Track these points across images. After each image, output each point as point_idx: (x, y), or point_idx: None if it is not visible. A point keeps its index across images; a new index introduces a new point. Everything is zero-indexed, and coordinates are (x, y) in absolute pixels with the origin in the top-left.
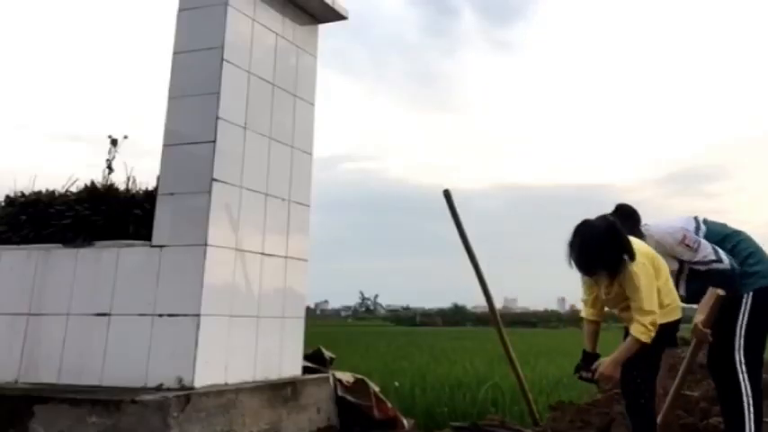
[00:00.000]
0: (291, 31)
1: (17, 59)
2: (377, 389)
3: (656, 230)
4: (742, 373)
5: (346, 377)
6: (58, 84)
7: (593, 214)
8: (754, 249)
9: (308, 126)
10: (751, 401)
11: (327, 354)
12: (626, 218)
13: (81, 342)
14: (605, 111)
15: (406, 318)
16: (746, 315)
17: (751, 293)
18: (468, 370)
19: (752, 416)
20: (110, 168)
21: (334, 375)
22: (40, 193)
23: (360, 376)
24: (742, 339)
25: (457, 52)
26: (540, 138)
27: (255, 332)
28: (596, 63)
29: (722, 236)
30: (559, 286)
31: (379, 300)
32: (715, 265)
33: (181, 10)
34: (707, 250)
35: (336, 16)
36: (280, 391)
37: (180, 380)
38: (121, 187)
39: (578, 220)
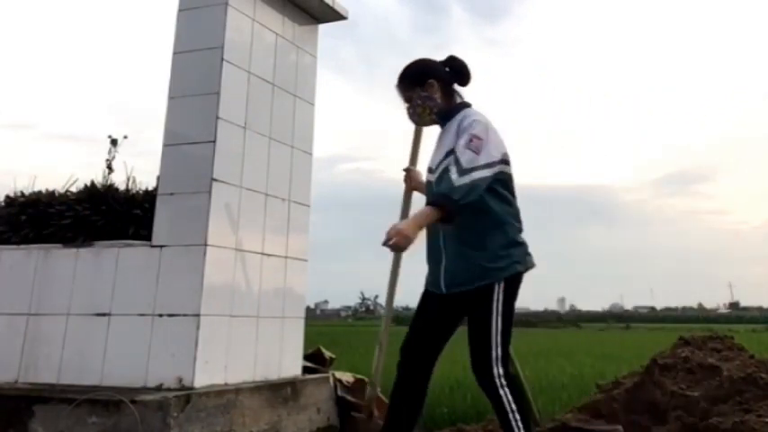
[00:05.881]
0: (291, 30)
1: (18, 59)
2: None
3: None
4: (502, 387)
5: (346, 377)
6: (59, 84)
7: (591, 215)
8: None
9: (308, 126)
10: (518, 418)
11: (327, 354)
12: (454, 71)
13: (81, 342)
14: (603, 112)
15: (406, 318)
16: (500, 314)
17: (502, 283)
18: (468, 370)
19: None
20: (110, 168)
21: (334, 375)
22: (40, 193)
23: (360, 376)
24: (499, 348)
25: (448, 50)
26: (539, 139)
27: (255, 332)
28: (594, 65)
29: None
30: (559, 286)
31: (379, 300)
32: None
33: (181, 10)
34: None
35: (336, 16)
36: (280, 391)
37: (180, 380)
38: (121, 187)
39: (577, 221)
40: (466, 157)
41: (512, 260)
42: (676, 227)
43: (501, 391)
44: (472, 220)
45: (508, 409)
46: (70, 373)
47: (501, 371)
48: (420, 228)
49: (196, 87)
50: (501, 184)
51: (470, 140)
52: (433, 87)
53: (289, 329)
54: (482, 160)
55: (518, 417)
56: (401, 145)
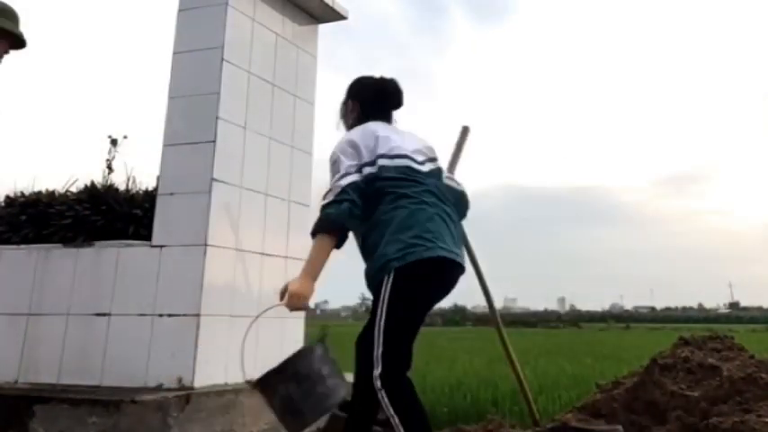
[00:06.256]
0: (291, 30)
1: (18, 58)
2: None
3: None
4: (383, 399)
5: (346, 377)
6: (59, 83)
7: (591, 215)
8: (413, 223)
9: (308, 126)
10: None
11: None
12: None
13: (81, 342)
14: (603, 114)
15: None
16: (385, 308)
17: (392, 275)
18: (468, 370)
19: None
20: (110, 168)
21: None
22: (40, 193)
23: None
24: (380, 353)
25: (447, 50)
26: (538, 139)
27: (256, 332)
28: (594, 68)
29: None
30: (559, 286)
31: None
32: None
33: (181, 10)
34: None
35: (336, 16)
36: None
37: (180, 380)
38: (121, 187)
39: (577, 221)
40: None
41: (387, 259)
42: (676, 227)
43: (378, 395)
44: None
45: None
46: (70, 373)
47: (380, 371)
48: (315, 277)
49: (196, 87)
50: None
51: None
52: (348, 107)
53: (289, 329)
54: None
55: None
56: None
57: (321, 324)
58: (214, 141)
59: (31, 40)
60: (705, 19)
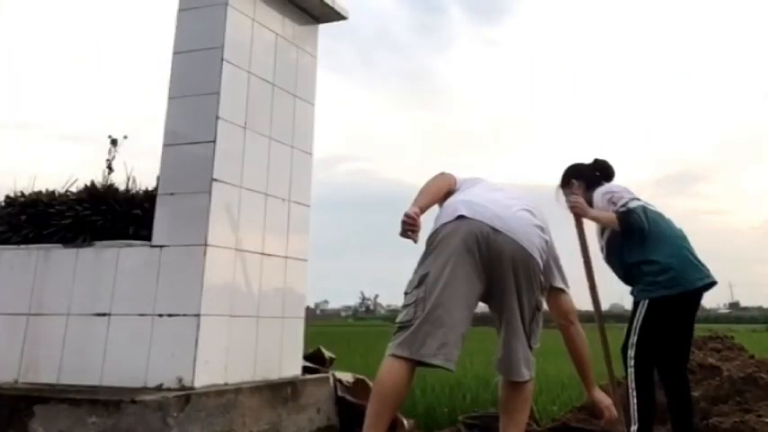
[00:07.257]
0: (291, 30)
1: (18, 58)
2: None
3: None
4: (630, 367)
5: (346, 377)
6: (59, 83)
7: None
8: (670, 256)
9: (308, 126)
10: (635, 393)
11: (327, 354)
12: (598, 170)
13: (81, 342)
14: (602, 111)
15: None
16: (640, 322)
17: (647, 302)
18: (468, 370)
19: (635, 405)
20: (110, 168)
21: (334, 375)
22: (40, 193)
23: (360, 376)
24: (635, 337)
25: (446, 50)
26: (537, 137)
27: (255, 332)
28: (594, 64)
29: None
30: None
31: (380, 300)
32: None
33: (181, 10)
34: (624, 199)
35: (337, 16)
36: (280, 391)
37: (180, 380)
38: (121, 187)
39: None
40: None
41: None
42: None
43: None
44: None
45: (629, 382)
46: (70, 373)
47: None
48: None
49: (196, 87)
50: None
51: None
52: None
53: (289, 329)
54: None
55: (635, 392)
56: (400, 145)
57: (321, 324)
58: (214, 141)
59: (31, 38)
60: (706, 18)
